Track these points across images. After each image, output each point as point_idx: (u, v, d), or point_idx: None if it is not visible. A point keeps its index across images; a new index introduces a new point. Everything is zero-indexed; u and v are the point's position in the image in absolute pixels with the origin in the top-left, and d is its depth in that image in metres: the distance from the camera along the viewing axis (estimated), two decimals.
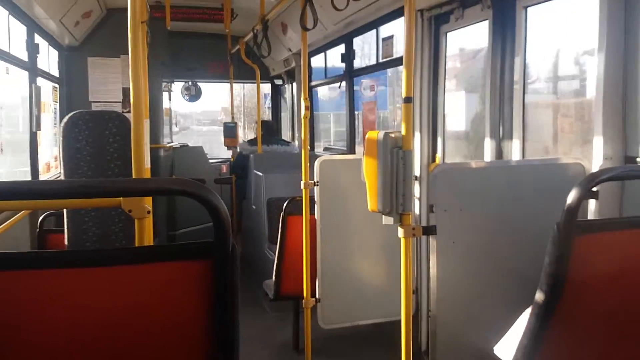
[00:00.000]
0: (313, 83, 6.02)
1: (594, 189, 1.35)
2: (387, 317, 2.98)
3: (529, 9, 2.65)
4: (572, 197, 1.20)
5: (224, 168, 6.94)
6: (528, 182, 2.20)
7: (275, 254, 3.35)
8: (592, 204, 2.12)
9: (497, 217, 2.15)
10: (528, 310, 1.51)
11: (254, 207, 4.89)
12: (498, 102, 2.85)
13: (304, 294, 3.02)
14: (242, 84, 6.29)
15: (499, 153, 2.87)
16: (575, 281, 1.23)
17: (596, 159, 2.13)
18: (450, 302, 2.11)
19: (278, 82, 7.50)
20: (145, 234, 1.61)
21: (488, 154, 2.91)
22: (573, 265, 1.22)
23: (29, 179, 4.02)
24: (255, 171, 4.80)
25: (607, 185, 2.06)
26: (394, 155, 1.84)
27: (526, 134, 2.75)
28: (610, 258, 1.28)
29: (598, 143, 2.11)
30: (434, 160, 3.30)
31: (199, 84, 7.38)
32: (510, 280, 2.09)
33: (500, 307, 1.91)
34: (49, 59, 4.95)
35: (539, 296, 1.24)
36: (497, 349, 1.69)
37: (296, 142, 6.47)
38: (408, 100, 1.88)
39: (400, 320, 1.90)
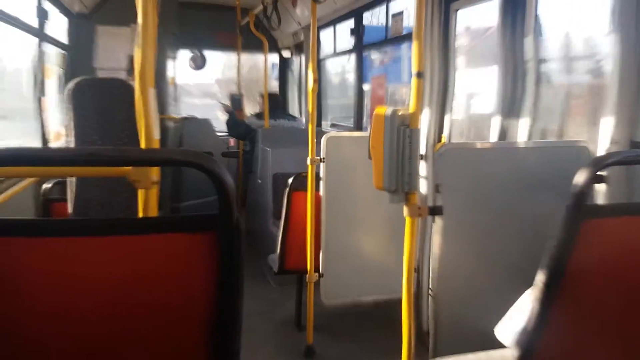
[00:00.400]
0: (321, 56, 5.97)
1: (602, 173, 1.34)
2: (389, 295, 3.01)
3: None
4: (580, 179, 1.19)
5: (232, 142, 6.93)
6: (534, 164, 2.19)
7: (279, 229, 3.37)
8: (599, 189, 2.11)
9: (502, 198, 2.15)
10: (528, 292, 1.52)
11: (259, 181, 4.90)
12: (508, 82, 2.81)
13: (308, 269, 3.05)
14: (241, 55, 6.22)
15: (506, 134, 2.85)
16: (580, 265, 1.23)
17: (603, 142, 2.11)
18: (452, 282, 2.13)
19: (286, 54, 7.43)
20: (150, 205, 1.62)
21: (495, 135, 2.90)
22: (578, 249, 1.22)
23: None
24: (262, 145, 4.80)
25: (614, 171, 2.04)
26: (400, 133, 1.83)
27: (536, 115, 2.73)
28: (617, 243, 1.27)
29: (606, 126, 2.09)
30: (439, 139, 3.28)
31: (205, 53, 7.31)
32: (513, 262, 2.10)
33: (503, 289, 1.92)
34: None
35: (541, 278, 1.24)
36: (497, 331, 1.70)
37: (303, 118, 6.44)
38: (419, 75, 1.85)
39: (401, 299, 1.92)
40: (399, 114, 1.84)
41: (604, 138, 2.10)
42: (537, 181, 2.14)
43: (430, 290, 2.16)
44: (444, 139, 3.27)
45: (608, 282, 1.30)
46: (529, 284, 1.38)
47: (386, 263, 2.99)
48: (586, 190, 1.18)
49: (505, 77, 2.81)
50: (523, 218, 2.12)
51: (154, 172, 1.62)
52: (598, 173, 1.23)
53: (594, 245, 1.24)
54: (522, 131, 2.77)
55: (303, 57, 6.69)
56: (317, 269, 3.02)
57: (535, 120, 2.74)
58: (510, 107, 2.83)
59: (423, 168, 2.93)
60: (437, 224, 2.07)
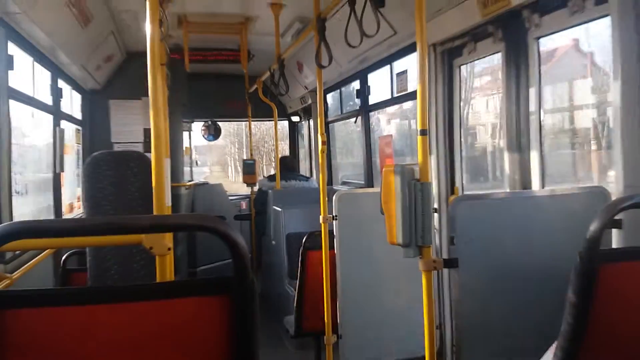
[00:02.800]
0: (329, 119, 6.10)
1: (617, 217, 1.32)
2: (411, 354, 2.92)
3: (541, 40, 2.67)
4: (594, 225, 1.18)
5: (244, 204, 6.99)
6: (550, 212, 2.17)
7: (295, 290, 3.33)
8: (616, 233, 2.08)
9: (519, 248, 2.11)
10: (554, 346, 1.47)
11: (273, 242, 4.89)
12: (515, 133, 2.84)
13: (325, 331, 2.98)
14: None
15: (519, 183, 2.85)
16: (602, 312, 1.20)
17: (617, 187, 2.10)
18: (475, 336, 2.06)
19: (295, 119, 7.61)
20: (167, 271, 1.63)
21: (507, 184, 2.89)
22: (598, 296, 1.19)
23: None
24: (274, 207, 4.82)
25: (631, 214, 2.02)
26: (411, 188, 1.84)
27: (545, 163, 2.74)
28: (636, 286, 1.24)
29: (619, 171, 2.09)
30: (452, 191, 3.28)
31: (218, 123, 7.53)
32: (537, 313, 2.04)
33: (528, 341, 1.86)
34: (72, 102, 5.10)
35: (565, 328, 1.21)
36: None
37: (314, 177, 6.51)
38: (423, 132, 1.90)
39: (424, 358, 1.86)
40: (408, 168, 1.86)
41: (618, 182, 2.09)
42: (556, 228, 2.11)
43: (453, 347, 2.10)
44: (457, 190, 3.27)
45: (632, 327, 1.26)
46: (554, 333, 1.34)
47: (406, 320, 2.92)
48: (599, 235, 1.17)
49: (510, 127, 2.84)
50: (544, 267, 2.08)
51: (168, 238, 1.63)
52: (615, 217, 1.22)
53: (614, 291, 1.21)
54: (535, 179, 2.76)
55: (311, 120, 6.84)
56: (335, 330, 2.95)
57: (545, 168, 2.74)
58: (518, 155, 2.84)
59: (437, 221, 2.92)
60: (454, 276, 2.04)
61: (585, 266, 1.18)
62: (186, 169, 6.73)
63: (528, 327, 2.03)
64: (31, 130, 4.05)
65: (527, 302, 2.07)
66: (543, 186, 2.72)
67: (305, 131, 7.53)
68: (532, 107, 2.75)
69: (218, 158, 28.26)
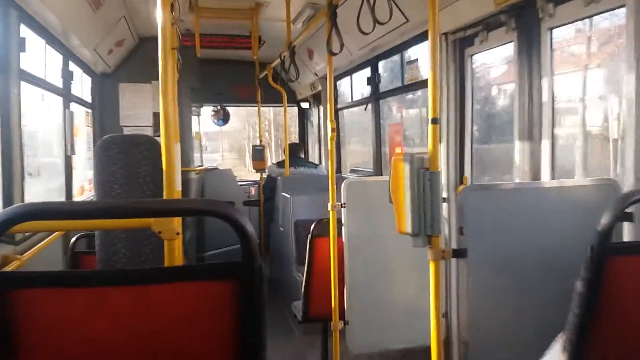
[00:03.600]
0: (339, 106, 6.08)
1: (629, 210, 1.31)
2: (417, 342, 2.93)
3: (554, 30, 2.64)
4: (605, 217, 1.17)
5: (253, 190, 7.01)
6: (559, 203, 2.15)
7: (303, 276, 3.35)
8: (627, 227, 2.06)
9: (528, 238, 2.11)
10: (560, 335, 1.47)
11: (281, 229, 4.91)
12: (527, 123, 2.82)
13: (332, 317, 3.00)
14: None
15: (528, 174, 2.83)
16: (610, 304, 1.20)
17: (628, 179, 2.08)
18: (482, 327, 2.07)
19: (305, 105, 7.59)
20: (175, 255, 1.64)
21: (517, 175, 2.88)
22: (607, 288, 1.19)
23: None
24: (282, 193, 4.83)
25: None
26: (420, 176, 1.83)
27: (556, 154, 2.72)
28: None
29: (630, 163, 2.07)
30: (461, 181, 3.27)
31: (227, 108, 7.53)
32: (544, 304, 2.04)
33: (535, 332, 1.86)
34: (82, 85, 5.12)
35: (572, 320, 1.21)
36: None
37: (323, 164, 6.51)
38: (435, 121, 1.88)
39: (430, 346, 1.87)
40: (418, 157, 1.85)
41: (629, 175, 2.07)
42: (565, 220, 2.10)
43: (459, 336, 2.10)
44: (466, 180, 3.26)
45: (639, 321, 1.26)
46: (561, 326, 1.34)
47: (413, 309, 2.93)
48: (610, 228, 1.16)
49: (523, 117, 2.81)
50: (552, 258, 2.07)
51: (177, 223, 1.64)
52: (626, 210, 1.21)
53: (622, 284, 1.21)
54: (545, 170, 2.74)
55: (321, 107, 6.83)
56: (342, 317, 2.97)
57: (555, 159, 2.72)
58: (529, 146, 2.82)
59: (445, 210, 2.92)
60: (462, 266, 2.04)
61: (595, 258, 1.18)
62: (196, 154, 6.75)
63: (536, 318, 2.03)
64: (41, 113, 4.07)
65: (536, 293, 2.07)
66: (553, 178, 2.70)
67: (314, 118, 7.52)
68: (544, 97, 2.73)
69: (233, 143, 25.16)
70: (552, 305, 1.86)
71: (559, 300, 1.48)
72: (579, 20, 2.52)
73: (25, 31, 3.09)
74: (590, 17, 2.44)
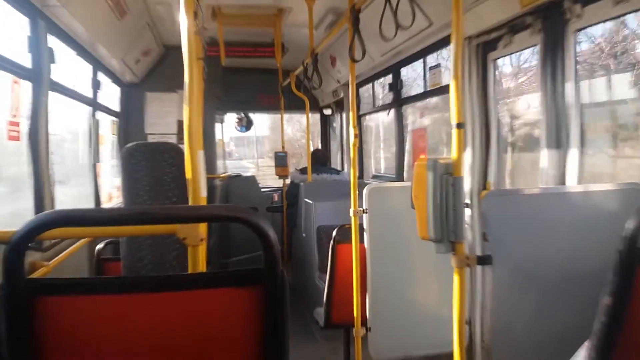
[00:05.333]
0: (361, 112, 6.08)
1: None
2: (440, 349, 2.91)
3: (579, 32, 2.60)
4: (631, 223, 1.15)
5: (276, 197, 7.05)
6: (584, 208, 2.12)
7: (325, 282, 3.35)
8: None
9: (553, 245, 2.08)
10: (586, 344, 1.44)
11: (304, 235, 4.92)
12: (553, 127, 2.78)
13: (355, 323, 2.99)
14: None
15: (554, 179, 2.79)
16: (637, 312, 1.17)
17: None
18: (506, 334, 2.04)
19: (327, 112, 7.62)
20: (199, 262, 1.66)
21: (543, 180, 2.83)
22: (635, 296, 1.16)
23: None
24: (305, 199, 4.85)
25: None
26: (443, 182, 1.82)
27: (583, 159, 2.67)
28: None
29: None
30: (485, 187, 3.23)
31: (250, 115, 7.63)
32: (569, 311, 2.01)
33: (559, 340, 1.83)
34: (108, 94, 5.23)
35: (598, 328, 1.19)
36: None
37: (345, 170, 6.51)
38: (460, 126, 1.87)
39: (452, 353, 1.86)
40: (441, 162, 1.84)
41: None
42: (591, 226, 2.06)
43: (482, 343, 2.08)
44: (490, 185, 3.22)
45: None
46: (586, 333, 1.32)
47: (436, 315, 2.91)
48: (637, 234, 1.14)
49: (549, 122, 2.77)
50: (576, 265, 2.03)
51: (202, 229, 1.66)
52: None
53: None
54: (570, 175, 2.70)
55: (343, 114, 6.84)
56: (364, 323, 2.96)
57: (583, 164, 2.67)
58: (555, 150, 2.78)
59: (469, 216, 2.89)
60: (487, 273, 2.02)
61: (623, 265, 1.15)
62: (220, 161, 6.83)
63: (560, 325, 2.00)
64: (69, 121, 4.17)
65: (560, 301, 2.04)
66: (580, 183, 2.65)
67: (337, 124, 7.54)
68: (571, 101, 2.68)
69: (272, 148, 18.40)
70: (577, 313, 1.83)
71: (584, 308, 1.46)
72: (608, 20, 2.47)
73: (54, 42, 3.18)
74: (619, 17, 2.39)
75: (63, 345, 1.02)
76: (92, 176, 4.27)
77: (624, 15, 2.34)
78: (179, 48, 1.89)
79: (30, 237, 0.97)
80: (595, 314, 1.23)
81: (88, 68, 4.23)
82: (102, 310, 1.03)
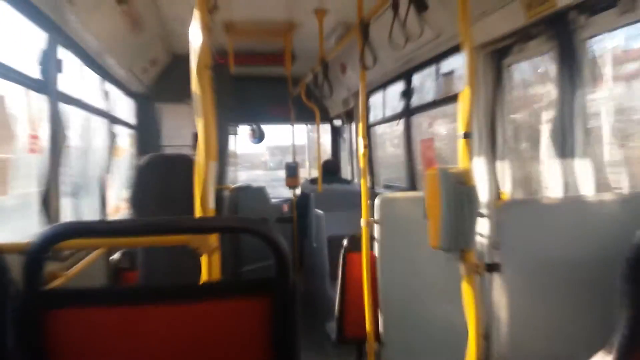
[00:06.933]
0: (371, 122, 6.07)
1: None
2: None
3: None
4: None
5: (286, 207, 7.05)
6: (598, 217, 2.08)
7: (336, 293, 3.32)
8: None
9: (568, 254, 2.04)
10: (600, 354, 1.40)
11: (314, 245, 4.90)
12: (567, 135, 2.74)
13: (367, 338, 2.95)
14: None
15: (567, 188, 2.75)
16: None
17: None
18: (521, 346, 2.00)
19: (337, 122, 7.62)
20: (213, 271, 1.65)
21: (556, 189, 2.80)
22: None
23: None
24: (315, 209, 4.83)
25: None
26: (456, 191, 1.80)
27: (598, 166, 2.63)
28: None
29: None
30: (499, 196, 3.20)
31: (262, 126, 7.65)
32: (583, 322, 1.97)
33: (573, 351, 1.79)
34: (121, 106, 5.27)
35: (616, 339, 1.15)
36: None
37: (356, 181, 6.49)
38: (467, 135, 1.86)
39: None
40: (452, 172, 1.82)
41: None
42: (603, 235, 2.03)
43: (497, 355, 2.04)
44: (504, 194, 3.19)
45: None
46: (601, 344, 1.28)
47: (451, 328, 2.85)
48: None
49: (564, 129, 2.74)
50: (593, 274, 1.99)
51: (214, 239, 1.66)
52: None
53: None
54: (584, 184, 2.66)
55: (353, 124, 6.84)
56: (377, 337, 2.91)
57: (597, 172, 2.63)
58: (568, 159, 2.74)
59: (483, 225, 2.85)
60: (496, 282, 1.99)
61: (633, 273, 1.12)
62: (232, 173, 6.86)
63: (574, 337, 1.95)
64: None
65: (574, 310, 2.00)
66: (593, 192, 2.61)
67: (347, 134, 7.53)
68: (584, 109, 2.65)
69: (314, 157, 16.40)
70: (591, 323, 1.79)
71: (598, 318, 1.42)
72: (614, 30, 2.45)
73: (63, 53, 3.20)
74: (624, 26, 2.37)
75: (78, 356, 1.02)
76: (100, 188, 4.28)
77: (630, 24, 2.32)
78: (188, 57, 1.90)
79: (45, 248, 0.97)
80: (609, 324, 1.19)
81: (97, 79, 4.26)
82: (117, 320, 1.03)
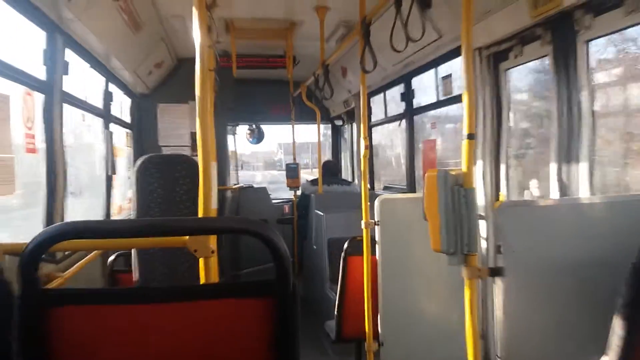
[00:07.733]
0: (372, 122, 6.08)
1: None
2: None
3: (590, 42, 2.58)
4: None
5: (287, 208, 7.05)
6: (601, 220, 2.08)
7: (336, 295, 3.32)
8: None
9: (568, 256, 2.04)
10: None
11: (314, 247, 4.90)
12: (565, 138, 2.75)
13: (366, 337, 2.96)
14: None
15: (567, 190, 2.75)
16: None
17: None
18: (521, 348, 2.00)
19: (338, 122, 7.62)
20: (211, 273, 1.66)
21: (556, 191, 2.80)
22: None
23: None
24: (316, 211, 4.84)
25: None
26: (455, 193, 1.81)
27: (595, 168, 2.64)
28: None
29: None
30: (497, 198, 3.21)
31: (261, 126, 7.66)
32: (586, 326, 1.97)
33: (576, 354, 1.80)
34: (122, 106, 5.29)
35: (615, 341, 1.16)
36: None
37: (356, 182, 6.50)
38: (471, 136, 1.86)
39: None
40: (452, 174, 1.83)
41: None
42: (606, 237, 2.03)
43: (497, 358, 2.05)
44: (502, 196, 3.19)
45: None
46: (603, 348, 1.29)
47: (450, 329, 2.86)
48: None
49: (561, 131, 2.75)
50: (594, 277, 2.00)
51: (212, 241, 1.66)
52: None
53: None
54: (583, 185, 2.67)
55: (354, 124, 6.84)
56: (376, 337, 2.92)
57: (595, 173, 2.64)
58: (568, 160, 2.75)
59: (483, 228, 2.86)
60: (499, 285, 1.99)
61: (637, 277, 1.13)
62: (233, 172, 6.87)
63: (576, 340, 1.96)
64: (81, 134, 4.21)
65: (577, 313, 2.00)
66: (593, 194, 2.62)
67: (347, 135, 7.54)
68: (583, 111, 2.66)
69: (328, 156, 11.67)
70: (594, 327, 1.79)
71: (601, 322, 1.43)
72: (618, 31, 2.46)
73: (69, 55, 3.22)
74: (630, 27, 2.37)
75: (77, 355, 1.03)
76: (106, 188, 4.29)
77: (634, 26, 2.32)
78: (192, 60, 1.91)
79: (42, 248, 0.97)
80: (610, 326, 1.20)
81: (99, 79, 4.27)
82: (115, 320, 1.03)
